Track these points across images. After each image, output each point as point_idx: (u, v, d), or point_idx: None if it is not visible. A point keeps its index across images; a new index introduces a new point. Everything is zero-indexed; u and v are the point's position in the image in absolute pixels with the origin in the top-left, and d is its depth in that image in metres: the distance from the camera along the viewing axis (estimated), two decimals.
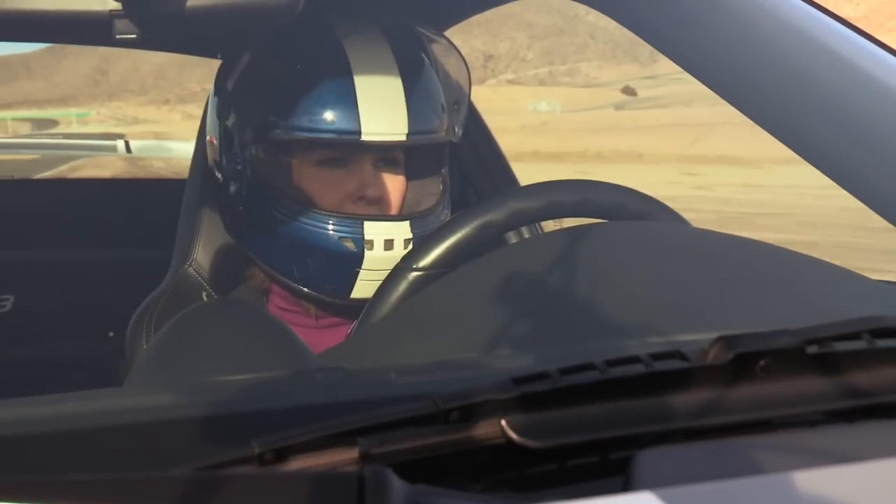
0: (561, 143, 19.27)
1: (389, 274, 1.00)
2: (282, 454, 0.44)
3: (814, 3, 1.05)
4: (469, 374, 0.67)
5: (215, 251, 1.29)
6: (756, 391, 0.49)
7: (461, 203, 1.35)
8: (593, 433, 0.47)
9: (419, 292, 0.96)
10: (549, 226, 1.26)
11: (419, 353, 0.80)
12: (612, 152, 17.54)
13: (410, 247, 1.09)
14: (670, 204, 1.10)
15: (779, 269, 0.88)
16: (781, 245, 0.92)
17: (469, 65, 1.34)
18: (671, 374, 0.49)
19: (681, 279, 0.84)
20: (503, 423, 0.46)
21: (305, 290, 1.15)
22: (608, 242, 0.92)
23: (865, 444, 0.48)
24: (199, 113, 1.35)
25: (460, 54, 1.29)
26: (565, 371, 0.48)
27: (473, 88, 1.32)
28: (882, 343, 0.50)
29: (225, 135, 1.20)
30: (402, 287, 0.98)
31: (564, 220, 1.08)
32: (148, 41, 0.83)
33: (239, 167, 1.17)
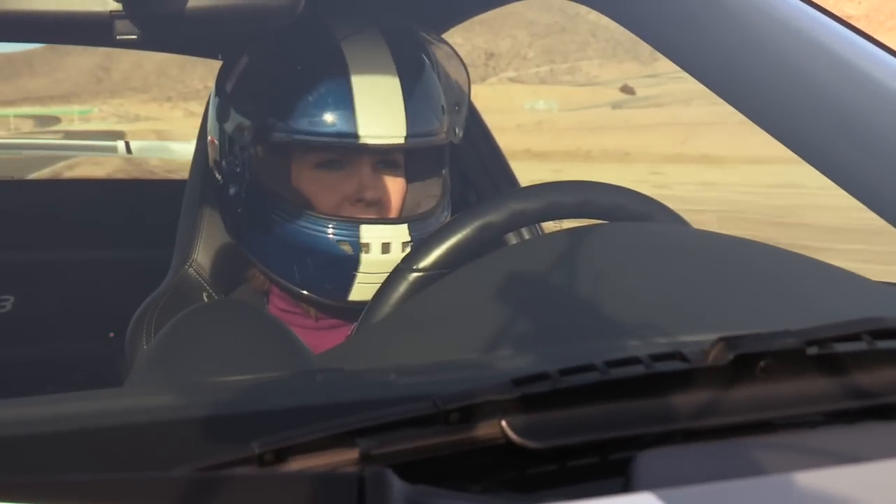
0: (553, 142, 19.22)
1: (389, 275, 1.00)
2: (282, 455, 0.44)
3: (813, 2, 1.05)
4: (469, 375, 0.67)
5: (216, 252, 1.29)
6: (756, 392, 0.49)
7: (461, 204, 1.35)
8: (593, 434, 0.47)
9: (419, 293, 0.96)
10: (550, 227, 1.26)
11: (419, 353, 0.80)
12: (601, 151, 17.47)
13: (408, 250, 1.09)
14: None
15: (779, 270, 0.88)
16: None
17: (470, 63, 1.34)
18: (671, 375, 0.49)
19: (681, 280, 0.84)
20: (503, 423, 0.46)
21: (304, 292, 1.15)
22: (608, 243, 0.92)
23: (865, 445, 0.48)
24: (201, 110, 1.35)
25: (458, 55, 1.29)
26: (565, 372, 0.48)
27: (474, 87, 1.32)
28: (882, 344, 0.50)
29: (224, 136, 1.20)
30: (403, 288, 0.97)
31: (564, 221, 1.08)
32: (148, 42, 0.84)
33: (238, 169, 1.17)
